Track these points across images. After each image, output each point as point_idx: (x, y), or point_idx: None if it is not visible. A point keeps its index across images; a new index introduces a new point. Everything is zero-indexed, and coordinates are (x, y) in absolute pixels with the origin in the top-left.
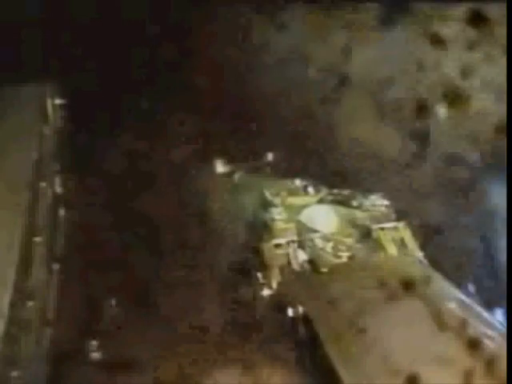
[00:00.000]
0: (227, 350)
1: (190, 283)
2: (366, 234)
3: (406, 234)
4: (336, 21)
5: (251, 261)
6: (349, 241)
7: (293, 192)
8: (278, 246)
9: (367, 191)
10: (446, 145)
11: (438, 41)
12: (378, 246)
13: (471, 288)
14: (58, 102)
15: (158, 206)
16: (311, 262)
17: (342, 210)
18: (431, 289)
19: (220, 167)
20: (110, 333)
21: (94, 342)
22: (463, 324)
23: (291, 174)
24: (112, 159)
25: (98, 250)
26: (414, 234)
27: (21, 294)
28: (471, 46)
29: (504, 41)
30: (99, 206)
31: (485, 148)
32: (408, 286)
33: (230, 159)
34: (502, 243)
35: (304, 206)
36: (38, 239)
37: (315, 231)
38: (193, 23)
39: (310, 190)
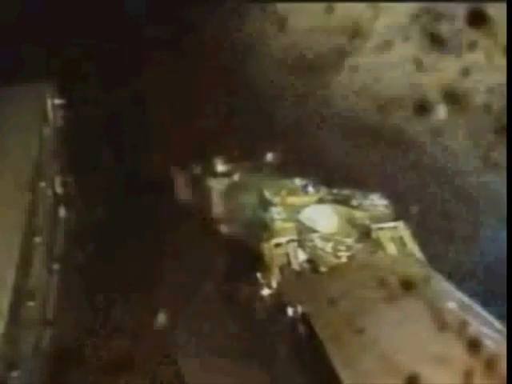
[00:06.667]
0: (226, 350)
1: (190, 283)
2: (365, 234)
3: (406, 234)
4: (335, 19)
5: (251, 261)
6: (349, 241)
7: (292, 192)
8: (277, 245)
9: (367, 191)
10: (445, 144)
11: (438, 40)
12: (378, 245)
13: (471, 288)
14: (57, 101)
15: (158, 206)
16: (311, 261)
17: (342, 209)
18: (431, 289)
19: (220, 167)
20: (110, 333)
21: (94, 343)
22: (463, 324)
23: (291, 173)
24: (112, 159)
25: (98, 249)
26: (414, 234)
27: (21, 294)
28: (471, 46)
29: (504, 41)
30: (99, 206)
31: (485, 148)
32: (408, 285)
33: (229, 159)
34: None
35: (304, 206)
36: (37, 239)
37: (315, 231)
38: (193, 22)
39: (310, 189)
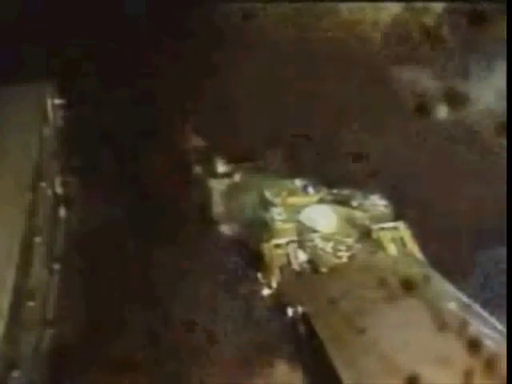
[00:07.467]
0: (227, 350)
1: (190, 284)
2: (365, 234)
3: (406, 234)
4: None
5: (251, 261)
6: (349, 241)
7: (293, 192)
8: (277, 246)
9: (367, 191)
10: (446, 144)
11: (438, 40)
12: (378, 245)
13: (471, 288)
14: (57, 101)
15: (158, 206)
16: (311, 261)
17: (342, 209)
18: (431, 289)
19: (221, 168)
20: (111, 333)
21: (94, 342)
22: (463, 324)
23: (291, 173)
24: (112, 160)
25: (98, 250)
26: (414, 234)
27: (21, 294)
28: (471, 46)
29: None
30: (99, 206)
31: (485, 147)
32: (408, 285)
33: (230, 160)
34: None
35: (304, 206)
36: (38, 239)
37: (315, 231)
38: (192, 23)
39: (310, 190)
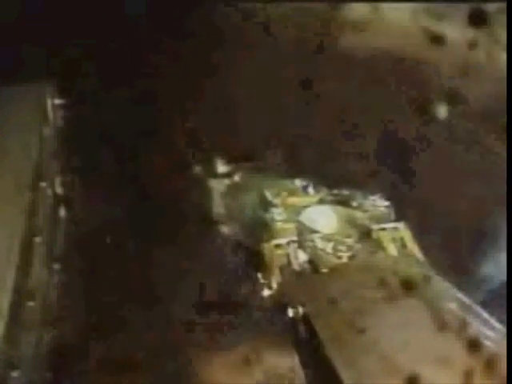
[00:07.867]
0: (227, 350)
1: (189, 284)
2: (366, 234)
3: (407, 235)
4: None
5: (251, 261)
6: (349, 241)
7: (293, 192)
8: (278, 246)
9: (367, 192)
10: (446, 144)
11: (438, 40)
12: (378, 246)
13: (471, 288)
14: (57, 101)
15: (158, 206)
16: (311, 262)
17: (342, 210)
18: (431, 289)
19: (221, 168)
20: (112, 332)
21: (95, 342)
22: (463, 324)
23: (291, 174)
24: (112, 159)
25: (97, 249)
26: (414, 235)
27: (21, 294)
28: (471, 46)
29: (504, 40)
30: (99, 206)
31: (485, 148)
32: (408, 286)
33: (230, 160)
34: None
35: (304, 206)
36: (38, 239)
37: (315, 231)
38: (192, 23)
39: (310, 190)
